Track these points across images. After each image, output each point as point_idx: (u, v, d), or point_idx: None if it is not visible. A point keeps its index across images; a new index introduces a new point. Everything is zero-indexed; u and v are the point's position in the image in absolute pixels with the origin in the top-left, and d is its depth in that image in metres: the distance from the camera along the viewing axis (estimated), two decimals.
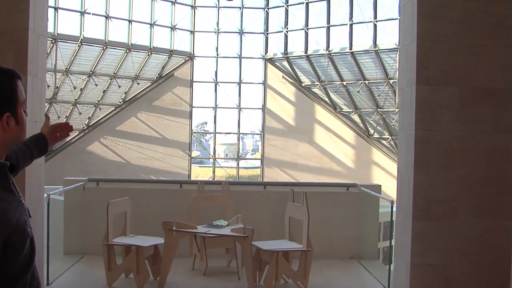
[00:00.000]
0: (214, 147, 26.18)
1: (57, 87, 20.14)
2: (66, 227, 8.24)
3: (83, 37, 19.76)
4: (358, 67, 20.81)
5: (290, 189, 7.42)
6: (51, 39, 18.65)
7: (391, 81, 20.04)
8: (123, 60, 21.35)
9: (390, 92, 20.58)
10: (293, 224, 7.21)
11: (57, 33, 19.14)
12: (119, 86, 21.86)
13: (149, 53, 22.01)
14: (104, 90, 21.84)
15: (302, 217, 6.77)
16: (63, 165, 20.68)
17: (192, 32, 23.56)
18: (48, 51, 19.00)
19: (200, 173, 30.70)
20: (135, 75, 22.16)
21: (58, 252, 8.00)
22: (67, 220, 8.25)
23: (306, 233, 6.63)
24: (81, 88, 20.99)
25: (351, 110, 22.58)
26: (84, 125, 22.39)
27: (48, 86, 19.06)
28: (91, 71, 20.77)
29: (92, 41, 20.29)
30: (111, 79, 21.62)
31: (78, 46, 19.69)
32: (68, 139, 22.19)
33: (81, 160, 21.68)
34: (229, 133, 29.13)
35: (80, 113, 21.54)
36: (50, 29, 18.69)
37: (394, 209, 6.22)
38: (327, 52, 21.23)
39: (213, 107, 24.15)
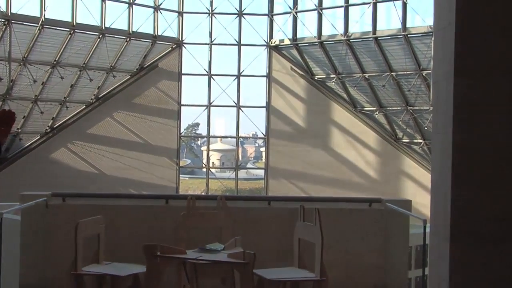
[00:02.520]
0: (208, 155, 26.20)
1: (12, 80, 20.11)
2: (23, 254, 8.20)
3: (45, 18, 19.73)
4: (384, 56, 20.81)
5: (300, 205, 7.39)
6: (3, 20, 18.65)
7: (424, 72, 20.03)
8: (95, 47, 21.34)
9: (423, 86, 20.56)
10: (303, 248, 7.18)
11: (11, 13, 19.09)
12: (91, 80, 21.85)
13: (128, 39, 22.02)
14: (72, 85, 21.83)
15: (315, 240, 6.74)
16: (20, 177, 20.66)
17: (180, 14, 23.59)
18: (0, 36, 19.00)
19: (191, 186, 30.72)
20: (111, 66, 22.17)
21: (12, 284, 7.96)
22: (25, 244, 8.22)
23: (319, 259, 6.61)
24: (43, 82, 20.97)
25: (374, 108, 22.57)
26: (47, 128, 22.38)
27: (1, 79, 19.06)
28: (55, 60, 20.76)
29: (56, 23, 20.29)
30: (80, 71, 21.62)
31: (39, 29, 19.66)
32: (27, 144, 22.20)
33: (43, 171, 21.66)
34: (226, 137, 29.13)
35: (41, 113, 21.50)
36: (2, 7, 18.69)
37: (428, 230, 6.19)
38: (345, 38, 21.23)
39: (206, 106, 24.15)
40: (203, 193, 24.93)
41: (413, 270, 9.12)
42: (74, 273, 6.64)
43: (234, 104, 24.16)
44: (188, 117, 25.62)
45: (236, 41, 23.84)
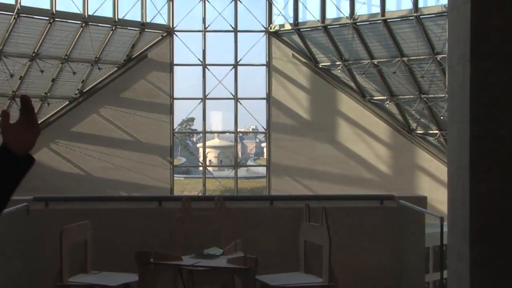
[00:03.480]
0: (204, 152, 26.18)
1: None
2: (3, 265, 8.21)
3: (21, 5, 19.63)
4: (394, 39, 20.77)
5: (305, 204, 7.40)
6: None
7: (439, 57, 19.99)
8: (78, 37, 21.28)
9: (437, 71, 20.53)
10: (309, 251, 7.19)
11: None
12: (74, 73, 21.80)
13: (113, 28, 21.97)
14: (53, 79, 21.79)
15: (322, 241, 6.75)
16: None
17: None
18: None
19: (187, 187, 30.74)
20: (95, 57, 22.14)
21: None
22: (5, 254, 8.22)
23: (327, 263, 6.61)
24: (20, 76, 20.89)
25: (385, 97, 22.55)
26: None
27: None
28: (34, 52, 20.68)
29: (33, 11, 20.18)
30: (62, 64, 21.56)
31: (15, 18, 19.58)
32: None
33: None
34: (224, 133, 29.13)
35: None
36: None
37: (445, 228, 6.19)
38: (352, 21, 21.19)
39: (201, 98, 24.13)
40: (199, 194, 24.94)
41: (431, 274, 9.15)
42: (60, 284, 6.65)
43: (232, 96, 24.13)
44: (181, 111, 25.58)
45: (232, 27, 23.79)
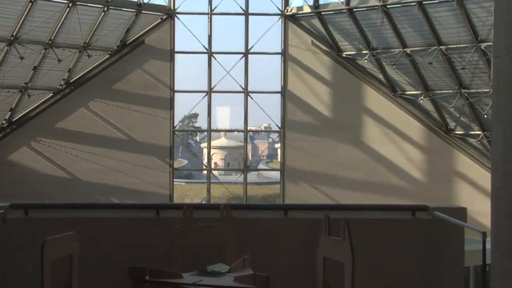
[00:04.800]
0: (209, 153, 26.21)
1: None
2: None
3: None
4: (430, 25, 20.73)
5: (324, 214, 7.38)
6: None
7: (483, 45, 19.93)
8: (64, 18, 21.31)
9: (481, 62, 20.47)
10: (329, 269, 7.17)
11: None
12: (59, 61, 21.81)
13: (105, 9, 21.99)
14: (35, 67, 21.83)
15: (343, 258, 6.73)
16: None
17: None
18: None
19: (188, 193, 30.80)
20: (84, 42, 22.18)
21: None
22: None
23: (349, 283, 6.60)
24: None
25: (419, 92, 22.51)
26: (4, 121, 22.39)
27: None
28: (12, 36, 20.72)
29: None
30: (45, 49, 21.60)
31: None
32: None
33: None
34: (232, 131, 29.14)
35: None
36: None
37: (488, 245, 6.17)
38: (381, 3, 21.16)
39: (207, 92, 24.16)
40: (203, 202, 24.97)
41: None
42: None
43: (241, 90, 24.15)
44: (183, 106, 25.68)
45: (243, 10, 23.81)
